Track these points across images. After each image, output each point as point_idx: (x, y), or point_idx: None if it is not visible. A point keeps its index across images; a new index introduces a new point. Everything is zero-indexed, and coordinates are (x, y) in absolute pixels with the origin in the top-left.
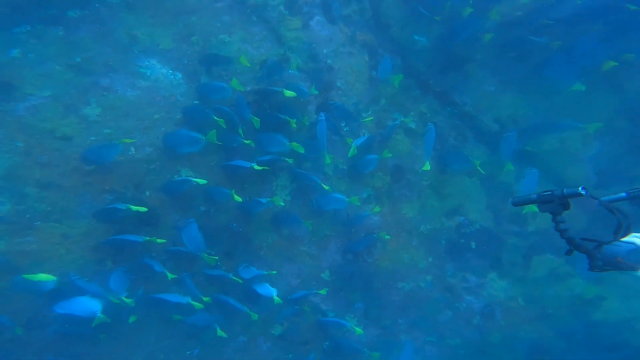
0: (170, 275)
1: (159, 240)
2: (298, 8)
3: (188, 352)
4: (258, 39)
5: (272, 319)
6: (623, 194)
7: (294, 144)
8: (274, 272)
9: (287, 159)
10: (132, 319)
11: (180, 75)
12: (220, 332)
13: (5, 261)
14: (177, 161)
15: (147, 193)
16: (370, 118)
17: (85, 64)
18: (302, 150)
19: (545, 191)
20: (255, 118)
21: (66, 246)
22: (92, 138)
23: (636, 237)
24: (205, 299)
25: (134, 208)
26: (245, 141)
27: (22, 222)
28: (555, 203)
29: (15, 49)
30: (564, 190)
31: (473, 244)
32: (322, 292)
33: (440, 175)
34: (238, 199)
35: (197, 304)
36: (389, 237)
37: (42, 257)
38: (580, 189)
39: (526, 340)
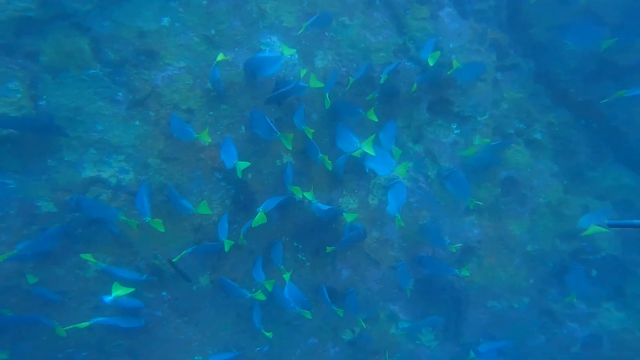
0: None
1: (132, 223)
2: None
3: (258, 349)
4: (378, 25)
5: (344, 324)
6: None
7: (365, 143)
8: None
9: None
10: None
11: (296, 56)
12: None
13: (120, 233)
14: (281, 146)
15: (250, 175)
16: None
17: (218, 36)
18: (372, 153)
19: None
20: (308, 129)
21: (172, 222)
22: (210, 113)
23: None
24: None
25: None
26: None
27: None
28: None
29: (166, 17)
30: None
31: (594, 272)
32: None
33: (564, 195)
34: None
35: (259, 296)
36: (469, 274)
37: (151, 233)
38: None
39: None
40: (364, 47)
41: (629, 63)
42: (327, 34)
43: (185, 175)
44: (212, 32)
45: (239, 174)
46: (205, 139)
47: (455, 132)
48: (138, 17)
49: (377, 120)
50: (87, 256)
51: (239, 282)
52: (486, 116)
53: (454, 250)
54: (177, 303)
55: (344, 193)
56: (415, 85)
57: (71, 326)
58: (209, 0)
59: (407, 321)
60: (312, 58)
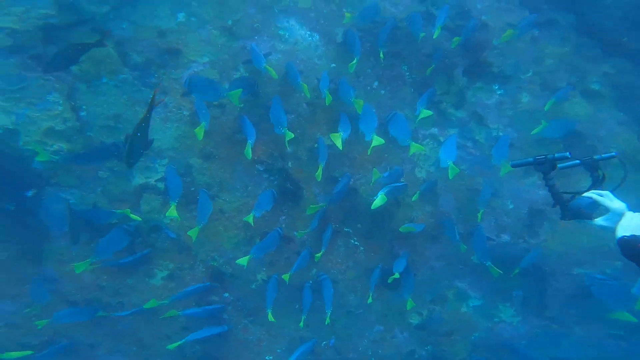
0: None
1: (132, 216)
2: None
3: (324, 343)
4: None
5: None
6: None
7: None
8: None
9: None
10: None
11: (317, 37)
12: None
13: (177, 238)
14: (317, 128)
15: (290, 164)
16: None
17: (235, 27)
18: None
19: (540, 155)
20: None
21: (223, 222)
22: (241, 105)
23: (594, 193)
24: None
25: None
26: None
27: (188, 195)
28: (546, 165)
29: (182, 13)
30: (555, 154)
31: None
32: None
33: (639, 142)
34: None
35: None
36: (497, 273)
37: (205, 234)
38: (567, 153)
39: None
40: (386, 17)
41: None
42: (344, 9)
43: (227, 172)
44: (229, 22)
45: (248, 154)
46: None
47: (499, 92)
48: (154, 15)
49: (359, 112)
50: (150, 304)
51: (293, 275)
52: (530, 73)
53: (479, 220)
54: (240, 303)
55: (388, 168)
56: (455, 41)
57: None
58: None
59: (478, 298)
60: (334, 36)
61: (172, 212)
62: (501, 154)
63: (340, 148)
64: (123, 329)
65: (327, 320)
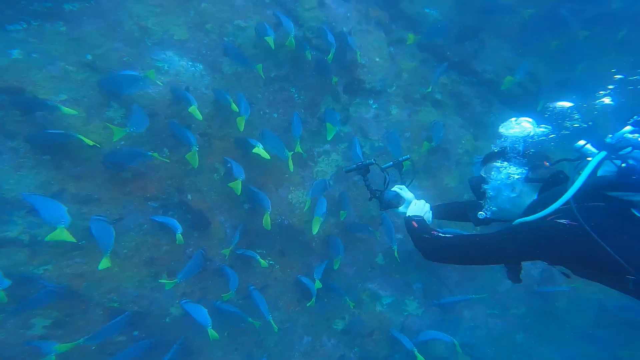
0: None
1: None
2: None
3: None
4: (275, 22)
5: (333, 314)
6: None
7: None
8: None
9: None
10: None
11: (201, 67)
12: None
13: (59, 287)
14: (214, 157)
15: (190, 196)
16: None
17: (99, 61)
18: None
19: (360, 162)
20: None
21: (118, 263)
22: (121, 143)
23: (396, 187)
24: None
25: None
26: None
27: (66, 243)
28: (363, 169)
29: (15, 49)
30: (367, 161)
31: None
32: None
33: (475, 142)
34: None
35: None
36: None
37: (97, 278)
38: (373, 160)
39: (594, 301)
40: (267, 45)
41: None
42: (225, 39)
43: (116, 214)
44: (89, 57)
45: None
46: None
47: (374, 106)
48: None
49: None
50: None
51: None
52: (394, 87)
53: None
54: (156, 339)
55: (291, 189)
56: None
57: None
58: (69, 26)
59: (389, 296)
60: (220, 66)
61: (106, 263)
62: (397, 146)
63: (268, 157)
64: None
65: (275, 328)
